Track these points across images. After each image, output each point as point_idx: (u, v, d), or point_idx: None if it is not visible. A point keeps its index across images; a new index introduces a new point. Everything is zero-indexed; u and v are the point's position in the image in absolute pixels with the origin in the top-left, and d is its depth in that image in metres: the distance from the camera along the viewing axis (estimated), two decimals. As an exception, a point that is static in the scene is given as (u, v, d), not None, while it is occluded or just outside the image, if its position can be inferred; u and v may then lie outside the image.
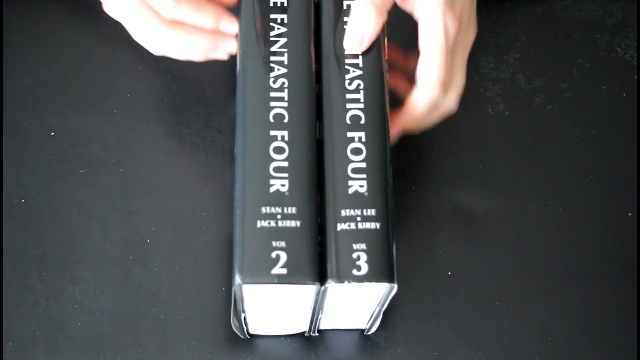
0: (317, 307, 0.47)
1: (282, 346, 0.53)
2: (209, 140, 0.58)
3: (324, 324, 0.52)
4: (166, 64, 0.61)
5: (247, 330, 0.52)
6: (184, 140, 0.58)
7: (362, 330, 0.53)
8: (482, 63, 0.61)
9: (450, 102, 0.52)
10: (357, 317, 0.51)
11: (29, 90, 0.60)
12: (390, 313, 0.53)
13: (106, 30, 0.62)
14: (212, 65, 0.60)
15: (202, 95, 0.59)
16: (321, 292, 0.45)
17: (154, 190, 0.57)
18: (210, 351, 0.53)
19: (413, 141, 0.58)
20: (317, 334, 0.53)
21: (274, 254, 0.44)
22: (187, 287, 0.54)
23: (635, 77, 0.61)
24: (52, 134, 0.58)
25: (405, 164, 0.58)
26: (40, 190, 0.57)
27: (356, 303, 0.49)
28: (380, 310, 0.49)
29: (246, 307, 0.48)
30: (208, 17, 0.52)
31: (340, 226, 0.45)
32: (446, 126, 0.59)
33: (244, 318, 0.49)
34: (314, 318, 0.49)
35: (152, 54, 0.61)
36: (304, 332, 0.53)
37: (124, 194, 0.57)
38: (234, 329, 0.51)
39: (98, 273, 0.54)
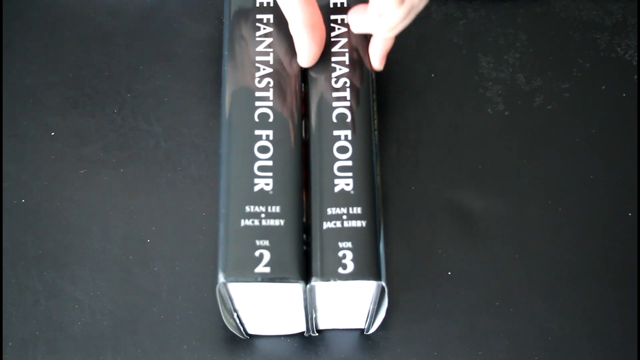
0: (309, 307, 0.47)
1: (282, 346, 0.53)
2: (209, 140, 0.58)
3: (323, 324, 0.53)
4: (166, 63, 0.61)
5: (245, 330, 0.52)
6: (184, 140, 0.58)
7: (362, 330, 0.53)
8: (482, 63, 0.61)
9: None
10: (356, 316, 0.51)
11: (29, 90, 0.60)
12: (390, 313, 0.53)
13: (106, 30, 0.62)
14: (212, 65, 0.60)
15: (202, 95, 0.60)
16: (309, 290, 0.45)
17: (154, 190, 0.57)
18: (210, 351, 0.53)
19: (413, 141, 0.58)
20: (317, 334, 0.53)
21: (257, 253, 0.44)
22: (187, 287, 0.54)
23: (635, 77, 0.61)
24: (52, 134, 0.58)
25: (405, 163, 0.58)
26: (40, 190, 0.57)
27: (349, 302, 0.49)
28: (375, 309, 0.49)
29: (237, 307, 0.48)
30: None
31: (326, 225, 0.45)
32: (446, 126, 0.59)
33: (238, 317, 0.49)
34: (309, 317, 0.49)
35: (152, 53, 0.61)
36: (303, 332, 0.53)
37: (124, 194, 0.57)
38: (231, 329, 0.51)
39: (98, 273, 0.55)
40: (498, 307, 0.54)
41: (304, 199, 0.47)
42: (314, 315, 0.49)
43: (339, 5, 0.52)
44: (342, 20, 0.51)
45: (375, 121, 0.49)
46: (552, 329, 0.54)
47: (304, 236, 0.45)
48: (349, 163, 0.47)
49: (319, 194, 0.46)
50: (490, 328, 0.54)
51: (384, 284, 0.45)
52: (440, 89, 0.60)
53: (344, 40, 0.51)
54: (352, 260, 0.44)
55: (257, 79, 0.49)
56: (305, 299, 0.46)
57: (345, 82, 0.49)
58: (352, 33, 0.51)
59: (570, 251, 0.56)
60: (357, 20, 0.50)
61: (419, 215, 0.57)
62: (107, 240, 0.55)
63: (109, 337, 0.53)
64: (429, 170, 0.58)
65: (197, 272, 0.55)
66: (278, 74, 0.49)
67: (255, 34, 0.50)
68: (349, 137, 0.48)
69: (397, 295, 0.54)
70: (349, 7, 0.52)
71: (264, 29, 0.51)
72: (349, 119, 0.48)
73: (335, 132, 0.48)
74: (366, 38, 0.51)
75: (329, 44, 0.50)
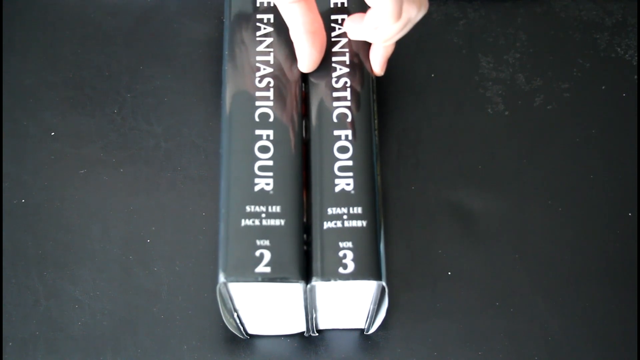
0: (309, 306, 0.47)
1: (282, 346, 0.53)
2: (209, 140, 0.58)
3: (323, 324, 0.53)
4: (166, 63, 0.61)
5: (245, 330, 0.52)
6: (184, 140, 0.58)
7: (362, 330, 0.53)
8: (482, 63, 0.61)
9: (413, 10, 0.48)
10: (356, 316, 0.51)
11: (29, 90, 0.60)
12: (390, 313, 0.53)
13: (106, 30, 0.62)
14: (212, 65, 0.60)
15: (202, 95, 0.60)
16: (309, 290, 0.45)
17: (154, 190, 0.57)
18: (210, 351, 0.53)
19: (413, 141, 0.58)
20: (317, 334, 0.53)
21: (257, 253, 0.44)
22: (187, 287, 0.54)
23: (635, 77, 0.61)
24: (52, 134, 0.58)
25: (405, 164, 0.58)
26: (40, 190, 0.57)
27: (349, 302, 0.49)
28: (375, 309, 0.49)
29: (238, 307, 0.48)
30: None
31: (327, 224, 0.45)
32: (446, 126, 0.59)
33: (238, 317, 0.49)
34: (309, 317, 0.49)
35: (152, 53, 0.61)
36: (303, 332, 0.53)
37: (124, 194, 0.57)
38: (231, 329, 0.51)
39: (98, 273, 0.55)
40: (498, 307, 0.54)
41: (305, 199, 0.47)
42: (314, 315, 0.49)
43: (339, 5, 0.52)
44: (343, 20, 0.51)
45: (376, 121, 0.49)
46: (552, 329, 0.54)
47: (305, 236, 0.46)
48: (350, 163, 0.47)
49: (319, 193, 0.46)
50: (490, 328, 0.54)
51: (384, 283, 0.45)
52: (440, 89, 0.60)
53: (344, 41, 0.51)
54: (353, 260, 0.44)
55: (257, 79, 0.49)
56: (305, 299, 0.46)
57: (346, 82, 0.49)
58: None
59: (570, 251, 0.56)
60: (354, 28, 0.50)
61: (419, 215, 0.57)
62: (107, 240, 0.55)
63: (109, 337, 0.53)
64: (429, 170, 0.58)
65: (197, 272, 0.55)
66: (278, 76, 0.49)
67: (255, 34, 0.50)
68: (350, 137, 0.48)
69: (397, 295, 0.54)
70: (349, 7, 0.52)
71: (264, 29, 0.51)
72: (349, 119, 0.48)
73: (336, 132, 0.48)
74: (367, 42, 0.51)
75: (329, 44, 0.50)
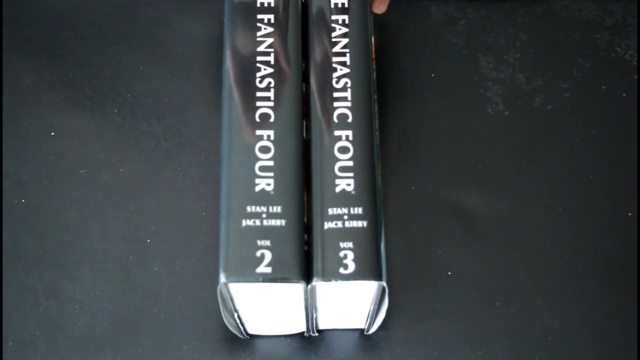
0: (309, 306, 0.47)
1: (282, 346, 0.53)
2: (209, 140, 0.58)
3: (323, 324, 0.53)
4: (166, 63, 0.61)
5: (246, 330, 0.52)
6: (184, 140, 0.58)
7: (362, 330, 0.53)
8: (482, 63, 0.61)
9: None
10: (356, 316, 0.51)
11: (29, 90, 0.60)
12: (390, 313, 0.53)
13: (106, 30, 0.62)
14: (212, 65, 0.60)
15: (202, 95, 0.60)
16: (310, 290, 0.45)
17: (154, 190, 0.57)
18: (210, 351, 0.53)
19: (413, 141, 0.58)
20: (317, 334, 0.53)
21: (258, 253, 0.44)
22: (187, 287, 0.54)
23: (635, 77, 0.61)
24: (52, 134, 0.58)
25: (405, 164, 0.58)
26: (40, 190, 0.57)
27: (350, 302, 0.49)
28: (375, 309, 0.49)
29: (238, 307, 0.48)
30: None
31: (327, 225, 0.45)
32: (446, 126, 0.59)
33: (239, 317, 0.49)
34: (309, 317, 0.49)
35: (152, 53, 0.61)
36: (303, 332, 0.53)
37: (124, 194, 0.57)
38: (231, 329, 0.51)
39: (98, 273, 0.54)
40: (498, 307, 0.54)
41: (305, 199, 0.47)
42: (314, 315, 0.49)
43: (339, 6, 0.52)
44: (344, 20, 0.51)
45: (376, 121, 0.49)
46: (552, 329, 0.54)
47: (305, 236, 0.46)
48: (350, 163, 0.47)
49: (320, 194, 0.46)
50: (490, 328, 0.54)
51: (384, 284, 0.45)
52: (440, 89, 0.60)
53: (345, 41, 0.51)
54: (353, 260, 0.44)
55: (257, 79, 0.49)
56: (306, 299, 0.46)
57: (346, 83, 0.49)
58: (353, 33, 0.51)
59: (570, 251, 0.56)
60: None
61: (419, 215, 0.57)
62: (107, 240, 0.55)
63: (109, 337, 0.53)
64: (429, 170, 0.58)
65: (197, 272, 0.55)
66: (279, 75, 0.49)
67: (255, 34, 0.50)
68: (350, 137, 0.48)
69: (397, 295, 0.54)
70: (350, 7, 0.52)
71: (265, 29, 0.51)
72: (349, 119, 0.48)
73: (336, 132, 0.48)
74: (365, 38, 0.51)
75: (329, 44, 0.50)
